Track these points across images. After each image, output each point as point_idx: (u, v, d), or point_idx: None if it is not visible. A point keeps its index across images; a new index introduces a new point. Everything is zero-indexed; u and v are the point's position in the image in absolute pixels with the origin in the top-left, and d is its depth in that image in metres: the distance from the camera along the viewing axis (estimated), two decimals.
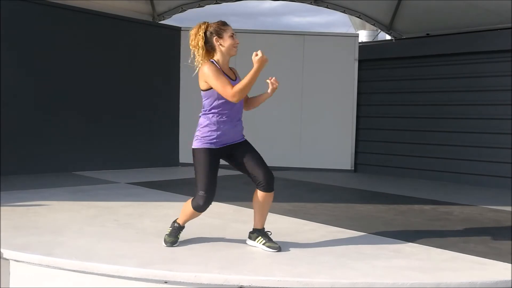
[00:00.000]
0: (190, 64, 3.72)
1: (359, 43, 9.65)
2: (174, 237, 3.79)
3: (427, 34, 9.09)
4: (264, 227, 3.84)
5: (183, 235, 3.86)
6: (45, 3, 7.53)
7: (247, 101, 3.83)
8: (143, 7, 9.42)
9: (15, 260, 3.40)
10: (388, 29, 9.66)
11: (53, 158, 7.60)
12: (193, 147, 3.73)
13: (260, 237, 3.77)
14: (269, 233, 3.82)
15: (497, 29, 8.05)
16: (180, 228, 3.84)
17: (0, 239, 3.62)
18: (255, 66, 3.49)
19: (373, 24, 9.92)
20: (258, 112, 9.19)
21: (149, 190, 6.40)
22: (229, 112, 3.65)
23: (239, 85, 3.50)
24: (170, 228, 3.84)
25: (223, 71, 3.60)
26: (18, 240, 3.69)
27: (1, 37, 7.02)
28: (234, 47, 3.66)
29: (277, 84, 3.67)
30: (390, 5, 9.25)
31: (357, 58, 9.24)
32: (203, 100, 3.70)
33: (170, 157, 9.06)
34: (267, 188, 3.70)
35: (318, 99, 9.28)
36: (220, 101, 3.61)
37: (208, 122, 3.67)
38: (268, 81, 3.68)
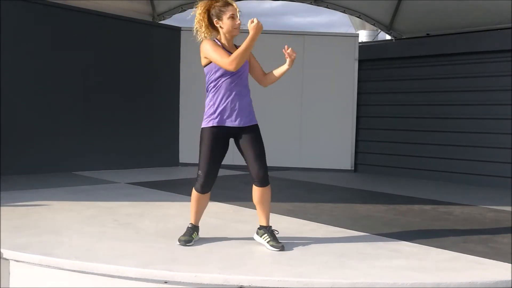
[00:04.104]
0: (194, 37, 3.82)
1: (359, 43, 9.65)
2: (188, 236, 3.80)
3: (427, 34, 9.09)
4: (271, 225, 3.85)
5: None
6: (45, 3, 7.52)
7: (265, 76, 3.86)
8: (143, 7, 9.42)
9: (15, 260, 3.40)
10: (388, 29, 9.66)
11: (53, 158, 7.60)
12: (201, 126, 3.81)
13: (266, 234, 3.78)
14: (276, 232, 3.83)
15: (497, 29, 8.05)
16: (194, 228, 3.87)
17: (0, 239, 3.62)
18: (251, 33, 3.56)
19: (373, 24, 9.92)
20: (258, 111, 9.21)
21: (149, 190, 6.40)
22: (227, 86, 3.70)
23: (235, 53, 3.57)
24: (185, 230, 3.87)
25: (224, 48, 3.68)
26: (18, 240, 3.69)
27: (1, 37, 7.02)
28: (235, 28, 3.72)
29: (294, 54, 3.72)
30: (390, 5, 9.24)
31: (357, 58, 9.24)
32: (206, 77, 3.78)
33: (170, 157, 9.06)
34: (258, 184, 3.75)
35: (318, 99, 9.28)
36: (218, 75, 3.69)
37: (209, 98, 3.75)
38: (284, 51, 3.72)
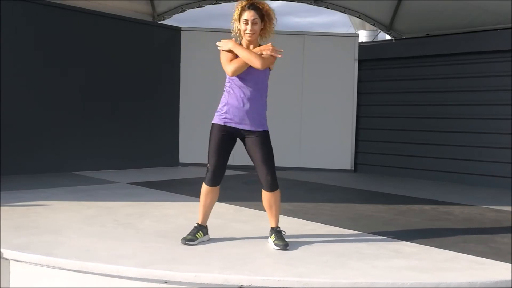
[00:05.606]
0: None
1: (359, 43, 9.65)
2: (191, 235, 3.81)
3: (427, 34, 9.09)
4: (279, 225, 3.89)
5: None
6: (45, 3, 7.52)
7: None
8: (143, 7, 9.42)
9: (15, 260, 3.40)
10: (388, 29, 9.66)
11: (53, 158, 7.59)
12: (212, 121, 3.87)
13: (273, 234, 3.84)
14: (284, 232, 3.87)
15: (497, 29, 8.05)
16: (199, 227, 3.88)
17: (0, 239, 3.62)
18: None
19: (373, 24, 9.92)
20: None
21: (149, 190, 6.40)
22: (239, 90, 3.74)
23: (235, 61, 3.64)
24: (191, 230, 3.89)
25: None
26: (18, 240, 3.69)
27: (1, 37, 7.02)
28: (245, 33, 3.72)
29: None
30: (390, 5, 9.24)
31: (357, 58, 9.24)
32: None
33: (170, 157, 9.06)
34: (266, 188, 3.79)
35: (318, 99, 9.28)
36: (230, 78, 3.75)
37: (223, 96, 3.81)
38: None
